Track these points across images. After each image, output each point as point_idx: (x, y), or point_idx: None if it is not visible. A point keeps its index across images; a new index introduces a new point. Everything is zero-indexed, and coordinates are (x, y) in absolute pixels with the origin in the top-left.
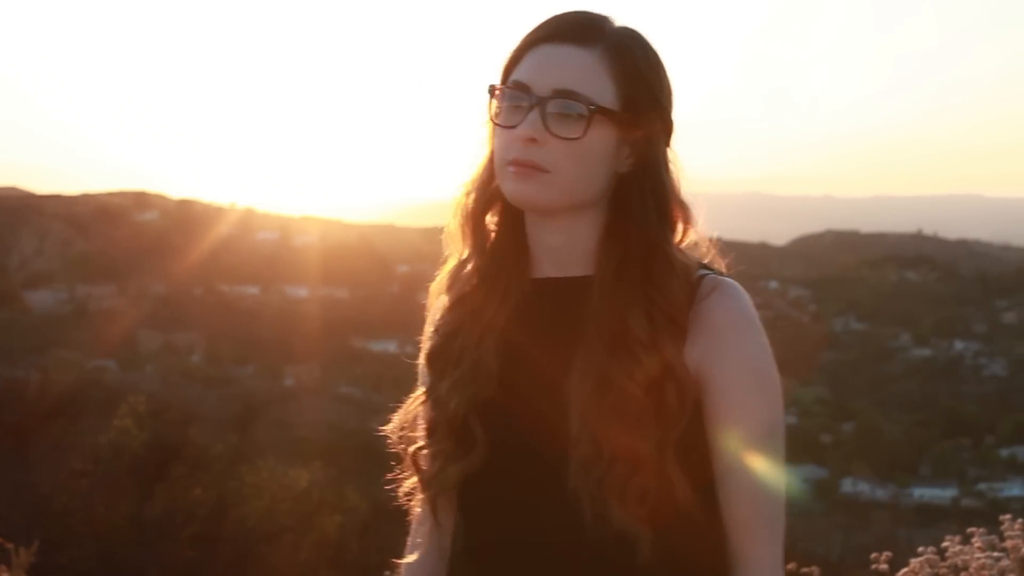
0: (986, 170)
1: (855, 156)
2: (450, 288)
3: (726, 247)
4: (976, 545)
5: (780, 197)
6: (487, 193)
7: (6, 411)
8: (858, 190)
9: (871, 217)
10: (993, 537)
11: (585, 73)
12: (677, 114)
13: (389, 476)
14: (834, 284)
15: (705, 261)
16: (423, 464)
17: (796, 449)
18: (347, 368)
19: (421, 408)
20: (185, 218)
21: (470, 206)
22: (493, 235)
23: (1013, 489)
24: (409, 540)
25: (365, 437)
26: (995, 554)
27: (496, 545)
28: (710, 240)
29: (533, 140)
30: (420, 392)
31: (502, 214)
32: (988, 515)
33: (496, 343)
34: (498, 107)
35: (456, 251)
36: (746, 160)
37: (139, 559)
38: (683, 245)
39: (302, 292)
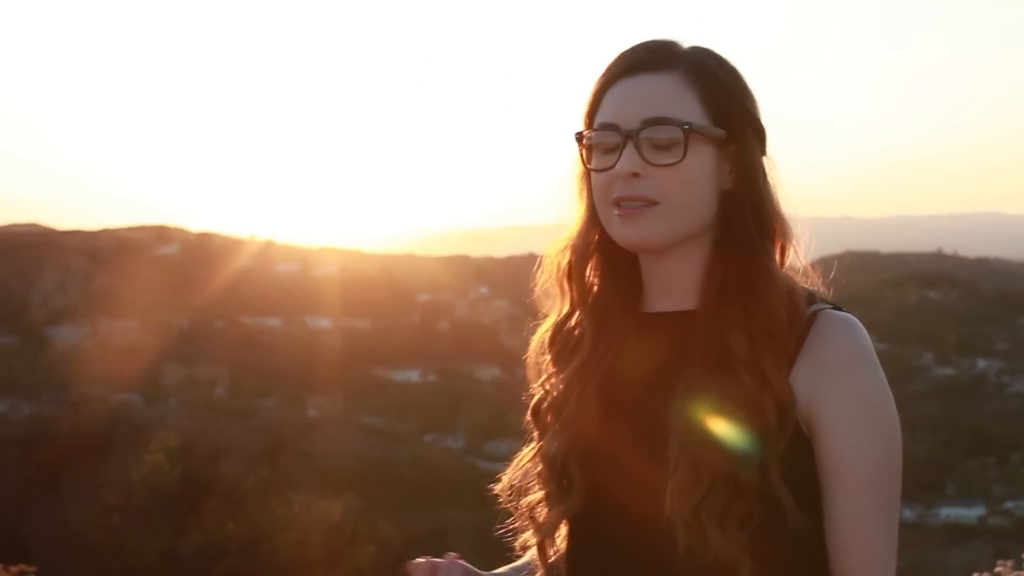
0: (1003, 187)
1: (872, 176)
2: (553, 343)
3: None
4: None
5: (798, 219)
6: (586, 246)
7: (37, 448)
8: (876, 210)
9: (890, 237)
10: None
11: (669, 96)
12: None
13: (500, 528)
14: (854, 305)
15: (811, 289)
16: (537, 515)
17: None
18: (369, 398)
19: (531, 463)
20: (205, 251)
21: (570, 260)
22: (597, 282)
23: None
24: None
25: (392, 466)
26: None
27: None
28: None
29: (635, 175)
30: (529, 448)
31: (607, 258)
32: (1017, 533)
33: (601, 384)
34: (589, 153)
35: (555, 307)
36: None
37: None
38: (784, 266)
39: (323, 323)
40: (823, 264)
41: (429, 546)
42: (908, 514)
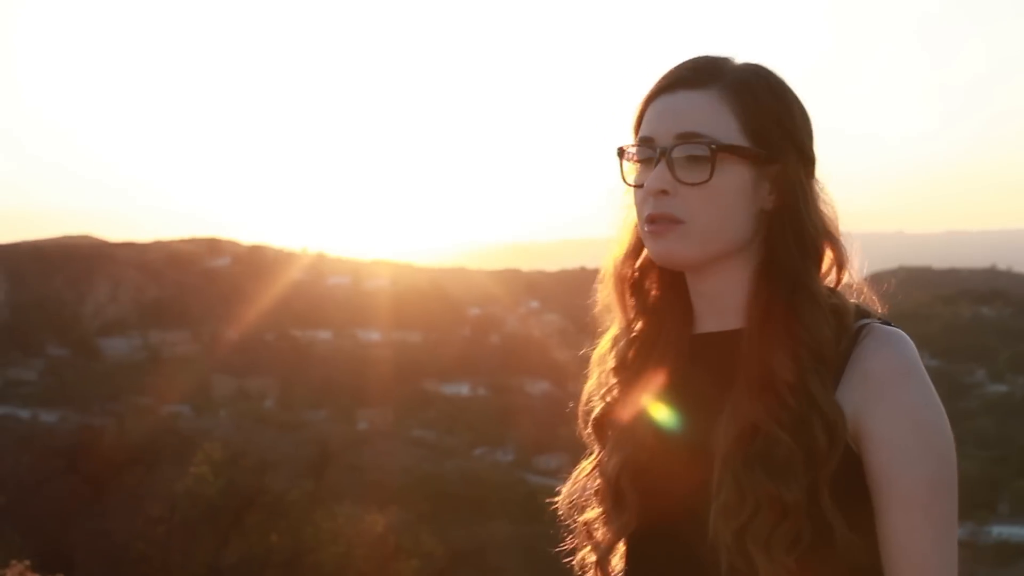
0: None
1: (923, 190)
2: (613, 355)
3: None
4: None
5: (851, 234)
6: (640, 256)
7: (83, 460)
8: (929, 226)
9: (943, 253)
10: None
11: (704, 113)
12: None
13: (561, 547)
14: (908, 321)
15: (862, 305)
16: (595, 532)
17: None
18: (420, 411)
19: (589, 478)
20: (257, 263)
21: (625, 273)
22: (654, 296)
23: None
24: None
25: (440, 481)
26: None
27: None
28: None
29: (664, 192)
30: (589, 461)
31: (660, 273)
32: None
33: (653, 403)
34: (630, 168)
35: (616, 319)
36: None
37: None
38: (838, 287)
39: (374, 336)
40: (876, 280)
41: (472, 560)
42: (960, 532)
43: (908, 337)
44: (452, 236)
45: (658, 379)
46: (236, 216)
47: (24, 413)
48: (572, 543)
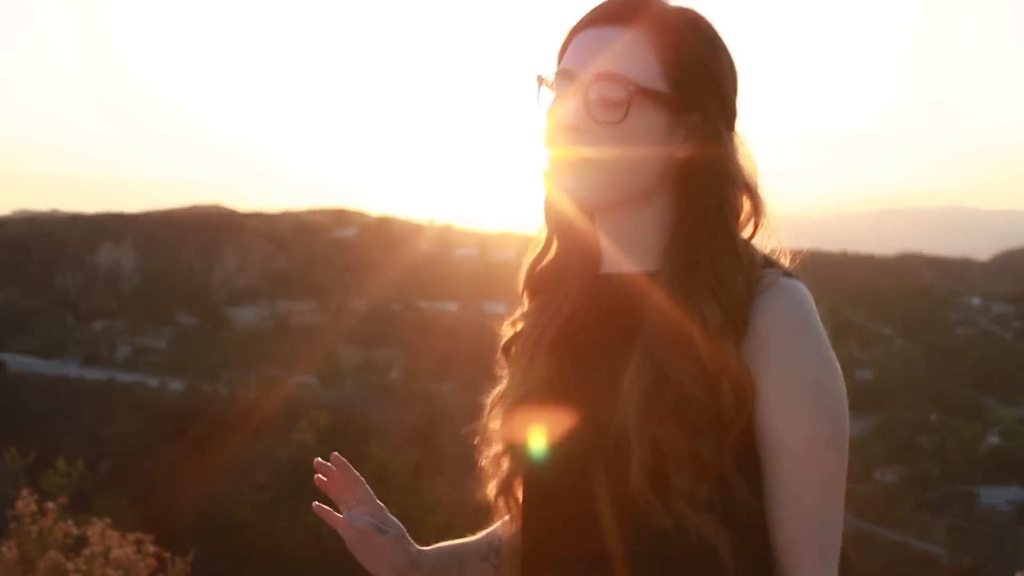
0: None
1: None
2: (528, 278)
3: (926, 263)
4: None
5: (983, 211)
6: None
7: (192, 425)
8: None
9: None
10: None
11: (626, 53)
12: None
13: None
14: None
15: (770, 256)
16: (502, 466)
17: (999, 470)
18: None
19: (499, 406)
20: (384, 235)
21: (550, 195)
22: (562, 241)
23: None
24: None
25: None
26: None
27: (547, 547)
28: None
29: (574, 127)
30: (498, 390)
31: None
32: None
33: (553, 340)
34: (546, 96)
35: (541, 236)
36: (945, 172)
37: (319, 573)
38: (754, 236)
39: (500, 308)
40: (1004, 258)
41: None
42: None
43: (805, 288)
44: None
45: (559, 314)
46: (364, 187)
47: (153, 381)
48: (481, 474)
